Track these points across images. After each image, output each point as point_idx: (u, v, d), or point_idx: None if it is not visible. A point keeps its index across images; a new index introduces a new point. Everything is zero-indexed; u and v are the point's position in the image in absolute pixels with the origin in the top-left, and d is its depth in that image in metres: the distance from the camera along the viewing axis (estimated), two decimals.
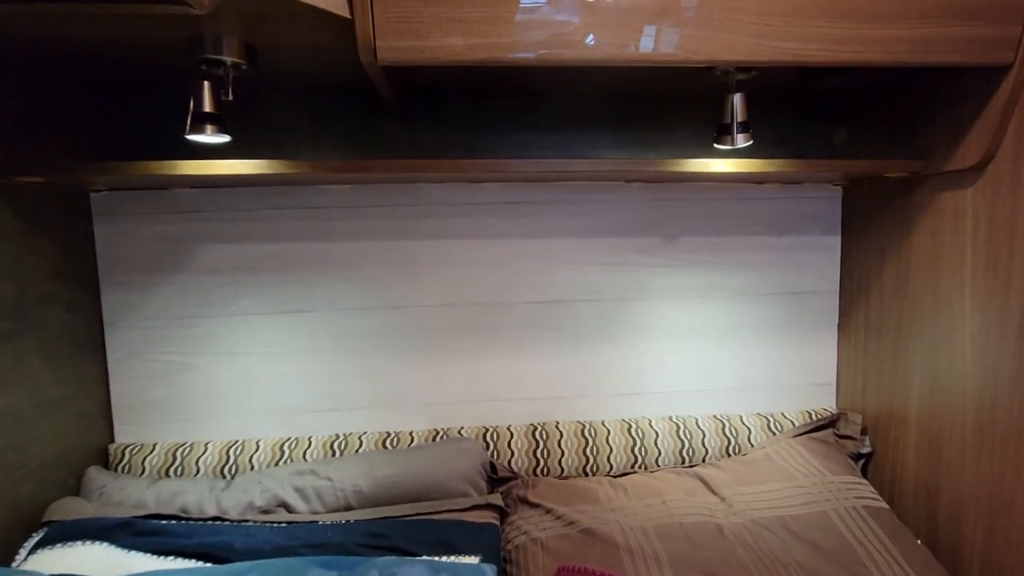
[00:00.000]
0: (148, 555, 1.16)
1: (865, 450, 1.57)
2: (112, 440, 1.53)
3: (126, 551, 1.16)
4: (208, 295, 1.51)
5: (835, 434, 1.60)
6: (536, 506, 1.37)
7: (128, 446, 1.51)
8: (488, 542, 1.26)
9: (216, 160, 1.16)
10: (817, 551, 1.21)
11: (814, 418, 1.65)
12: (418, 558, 1.17)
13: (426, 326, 1.58)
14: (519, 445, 1.55)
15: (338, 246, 1.53)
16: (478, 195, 1.55)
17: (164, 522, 1.25)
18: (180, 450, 1.50)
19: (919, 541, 1.28)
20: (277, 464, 1.49)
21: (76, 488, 1.39)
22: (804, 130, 1.61)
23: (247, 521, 1.28)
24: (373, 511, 1.35)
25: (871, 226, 1.52)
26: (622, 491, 1.42)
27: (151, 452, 1.50)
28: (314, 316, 1.55)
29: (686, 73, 1.06)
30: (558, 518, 1.32)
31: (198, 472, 1.48)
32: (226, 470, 1.48)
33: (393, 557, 1.16)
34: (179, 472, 1.47)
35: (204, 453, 1.50)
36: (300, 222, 1.52)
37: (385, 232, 1.54)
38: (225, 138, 1.11)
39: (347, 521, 1.29)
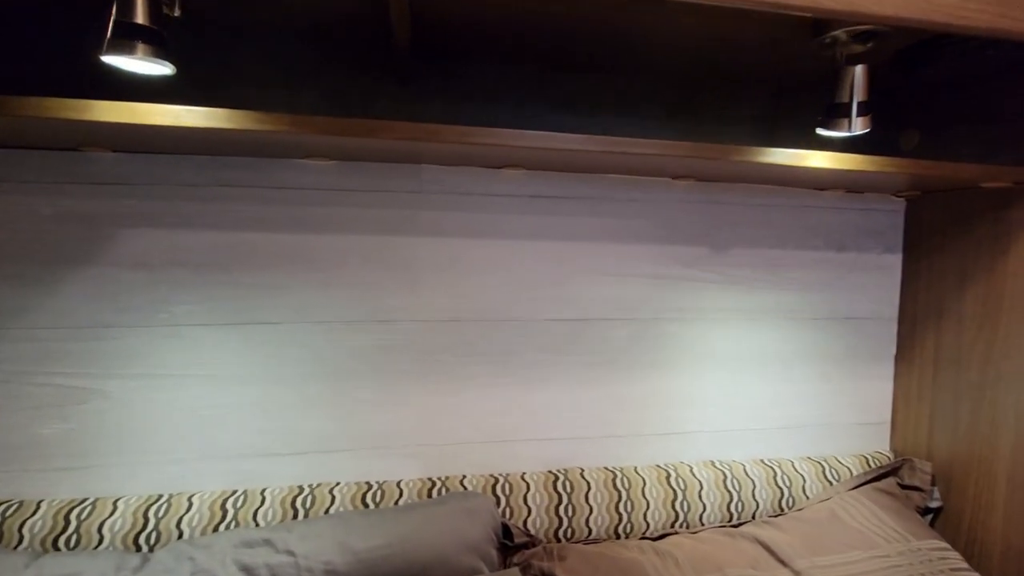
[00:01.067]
0: None
1: (934, 504, 1.35)
2: None
3: None
4: (129, 298, 1.12)
5: (898, 484, 1.37)
6: None
7: (0, 504, 1.08)
8: None
9: (151, 104, 0.80)
10: None
11: (871, 463, 1.43)
12: None
13: (424, 346, 1.24)
14: (537, 500, 1.23)
15: (314, 240, 1.18)
16: (497, 184, 1.24)
17: None
18: (76, 511, 1.08)
19: None
20: (216, 529, 1.10)
21: None
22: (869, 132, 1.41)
23: None
24: None
25: (947, 245, 1.32)
26: (672, 562, 1.13)
27: (33, 514, 1.07)
28: (277, 330, 1.18)
29: (768, 45, 0.82)
30: None
31: (101, 542, 1.06)
32: (142, 539, 1.08)
33: None
34: (73, 543, 1.05)
35: (112, 514, 1.09)
36: (264, 205, 1.16)
37: (377, 224, 1.20)
38: (164, 67, 0.76)
39: None
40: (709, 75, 1.26)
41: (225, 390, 1.17)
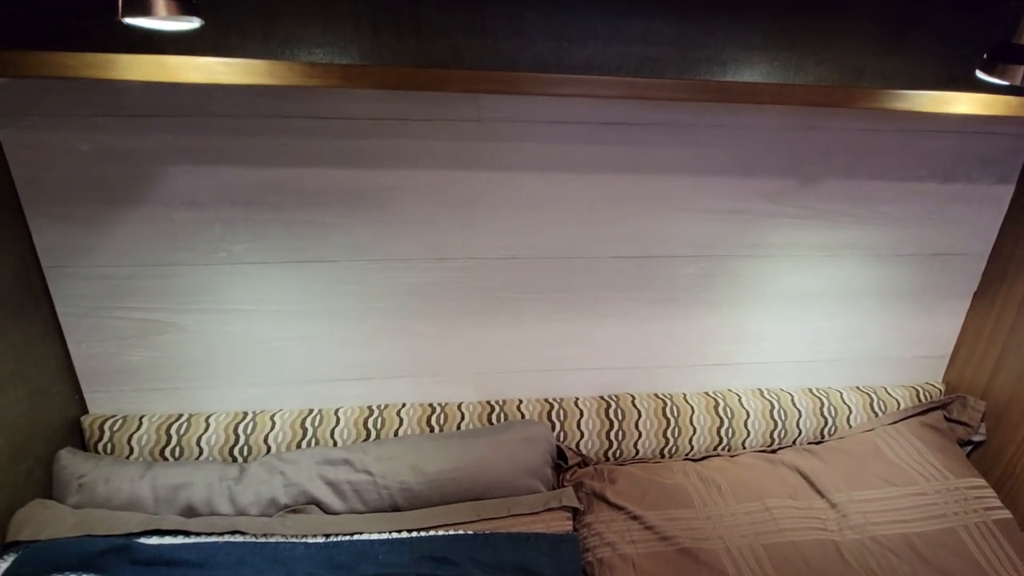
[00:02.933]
0: None
1: (978, 438, 1.38)
2: (85, 411, 1.22)
3: None
4: (185, 236, 1.10)
5: (946, 417, 1.39)
6: (619, 508, 1.16)
7: (107, 419, 1.20)
8: (569, 558, 1.06)
9: (176, 56, 0.69)
10: None
11: (922, 397, 1.44)
12: None
13: (483, 284, 1.22)
14: (590, 425, 1.30)
15: (365, 175, 1.10)
16: (563, 110, 1.09)
17: (170, 542, 0.99)
18: (176, 425, 1.20)
19: None
20: (299, 445, 1.22)
21: (46, 480, 1.11)
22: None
23: (273, 535, 1.03)
24: (427, 513, 1.12)
25: None
26: (715, 489, 1.21)
27: (138, 428, 1.19)
28: (335, 268, 1.16)
29: None
30: (648, 528, 1.12)
31: (201, 454, 1.20)
32: (236, 452, 1.20)
33: None
34: (177, 454, 1.19)
35: (206, 431, 1.20)
36: (308, 138, 1.06)
37: (432, 158, 1.10)
38: (191, 22, 0.63)
39: (399, 535, 1.05)
40: None
41: (290, 323, 1.20)
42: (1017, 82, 0.72)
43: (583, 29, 1.03)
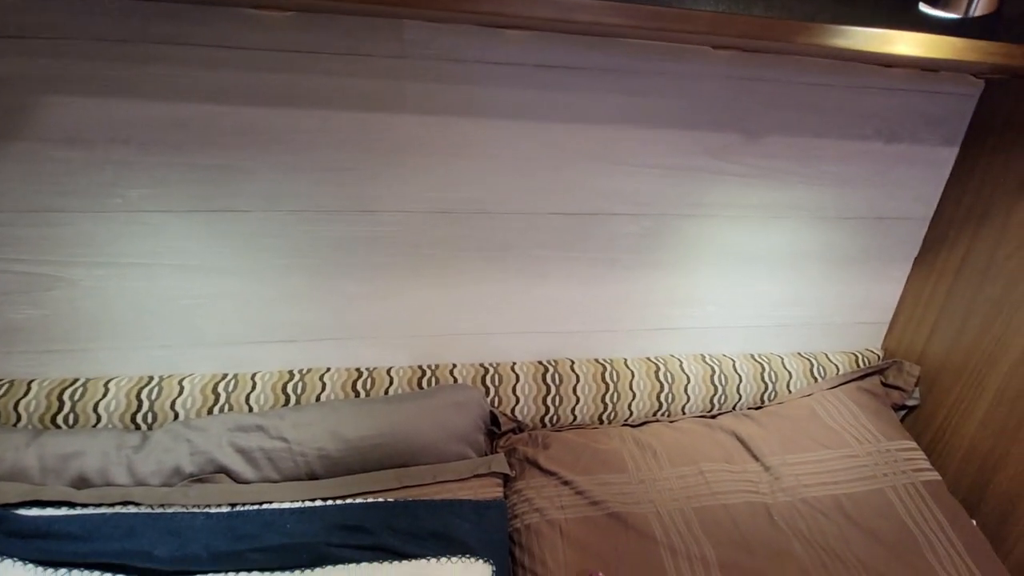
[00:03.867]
0: (27, 567, 0.83)
1: (911, 402, 1.39)
2: None
3: None
4: (71, 179, 0.98)
5: (882, 382, 1.40)
6: (550, 474, 1.12)
7: None
8: (494, 525, 1.01)
9: None
10: (877, 542, 1.05)
11: (860, 362, 1.44)
12: (410, 562, 0.91)
13: (413, 239, 1.14)
14: (526, 390, 1.25)
15: (279, 114, 1.00)
16: (496, 48, 1.01)
17: (51, 513, 0.90)
18: (69, 391, 1.10)
19: (974, 522, 1.14)
20: (211, 411, 1.13)
21: None
22: None
23: (171, 506, 0.95)
24: (345, 481, 1.06)
25: (1019, 142, 1.14)
26: (650, 454, 1.18)
27: (26, 393, 1.08)
28: (249, 219, 1.07)
29: None
30: (579, 493, 1.08)
31: (99, 421, 1.10)
32: (139, 419, 1.11)
33: (377, 565, 0.89)
34: (71, 421, 1.09)
35: (105, 396, 1.10)
36: (213, 71, 0.95)
37: (353, 98, 1.00)
38: None
39: (313, 503, 0.99)
40: None
41: (201, 280, 1.10)
42: (960, 13, 0.68)
43: None
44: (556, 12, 0.68)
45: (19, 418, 1.07)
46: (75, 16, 0.88)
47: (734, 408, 1.36)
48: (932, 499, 1.14)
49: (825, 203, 1.27)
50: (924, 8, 0.72)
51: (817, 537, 1.05)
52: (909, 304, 1.42)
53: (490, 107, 1.05)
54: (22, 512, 0.89)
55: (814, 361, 1.41)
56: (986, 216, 1.21)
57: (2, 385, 1.08)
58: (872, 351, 1.48)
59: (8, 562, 0.83)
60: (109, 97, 0.94)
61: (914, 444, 1.26)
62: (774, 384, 1.37)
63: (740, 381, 1.35)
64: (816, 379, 1.39)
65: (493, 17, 0.74)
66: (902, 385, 1.37)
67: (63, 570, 0.83)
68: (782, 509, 1.09)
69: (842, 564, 1.01)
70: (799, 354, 1.43)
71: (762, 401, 1.38)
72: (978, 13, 0.67)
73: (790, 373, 1.38)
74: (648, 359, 1.34)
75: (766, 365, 1.38)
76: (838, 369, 1.41)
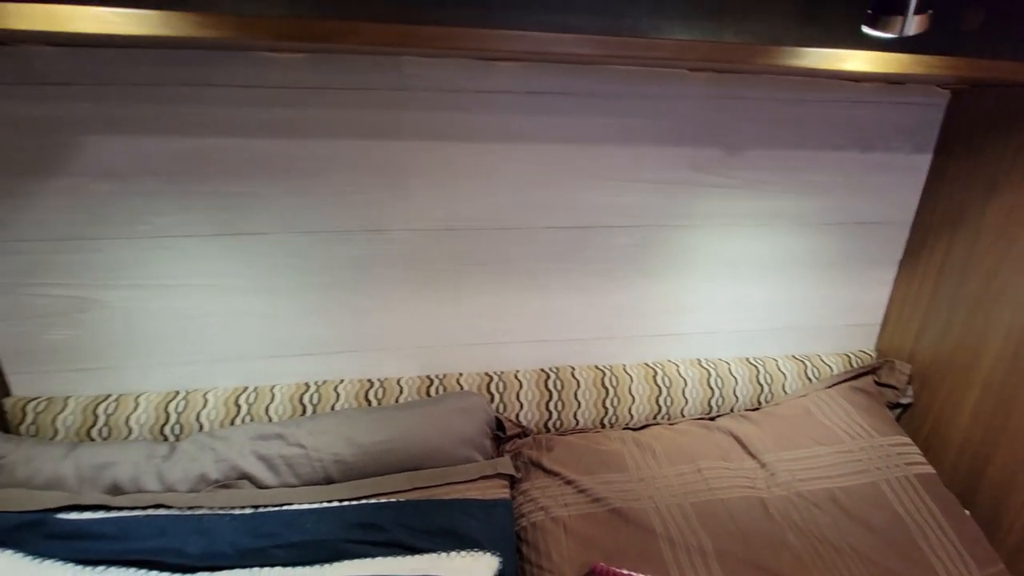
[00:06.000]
0: (68, 565, 0.89)
1: (905, 400, 1.43)
2: (7, 393, 1.18)
3: (38, 561, 0.89)
4: (105, 209, 1.08)
5: (875, 382, 1.44)
6: (554, 474, 1.17)
7: (31, 401, 1.17)
8: (501, 522, 1.07)
9: (74, 7, 0.68)
10: (870, 532, 1.09)
11: (854, 362, 1.48)
12: (422, 556, 0.96)
13: (419, 256, 1.22)
14: (529, 396, 1.31)
15: (292, 145, 1.09)
16: (488, 79, 1.10)
17: (89, 517, 0.97)
18: (103, 406, 1.18)
19: (967, 512, 1.18)
20: (233, 422, 1.20)
21: None
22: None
23: (199, 508, 1.02)
24: (360, 484, 1.12)
25: (985, 147, 1.21)
26: (650, 454, 1.24)
27: (63, 409, 1.16)
28: (266, 241, 1.16)
29: None
30: (581, 491, 1.13)
31: (130, 433, 1.17)
32: (167, 431, 1.18)
33: (392, 559, 0.95)
34: (105, 434, 1.16)
35: (135, 409, 1.18)
36: (231, 107, 1.05)
37: (359, 127, 1.10)
38: None
39: (329, 504, 1.05)
40: None
41: (222, 299, 1.19)
42: (896, 33, 0.76)
43: None
44: (534, 46, 0.77)
45: (56, 432, 1.15)
46: (112, 65, 0.99)
47: (732, 410, 1.41)
48: (925, 490, 1.17)
49: (807, 211, 1.34)
50: (866, 30, 0.80)
51: (811, 528, 1.09)
52: (897, 305, 1.47)
53: (485, 131, 1.14)
54: (61, 516, 0.96)
55: (808, 363, 1.46)
56: (961, 218, 1.27)
57: (42, 402, 1.17)
58: (865, 352, 1.52)
59: (49, 562, 0.90)
60: (140, 134, 1.04)
61: (908, 439, 1.29)
62: (769, 386, 1.42)
63: (736, 384, 1.40)
64: (810, 380, 1.44)
65: (480, 52, 0.82)
66: (895, 383, 1.42)
67: (101, 567, 0.89)
68: (777, 502, 1.14)
69: (836, 552, 1.05)
70: (793, 356, 1.48)
71: (759, 403, 1.42)
72: (911, 33, 0.75)
73: (785, 375, 1.43)
74: (646, 364, 1.40)
75: (761, 368, 1.43)
76: (832, 370, 1.46)
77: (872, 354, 1.52)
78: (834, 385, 1.42)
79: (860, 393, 1.39)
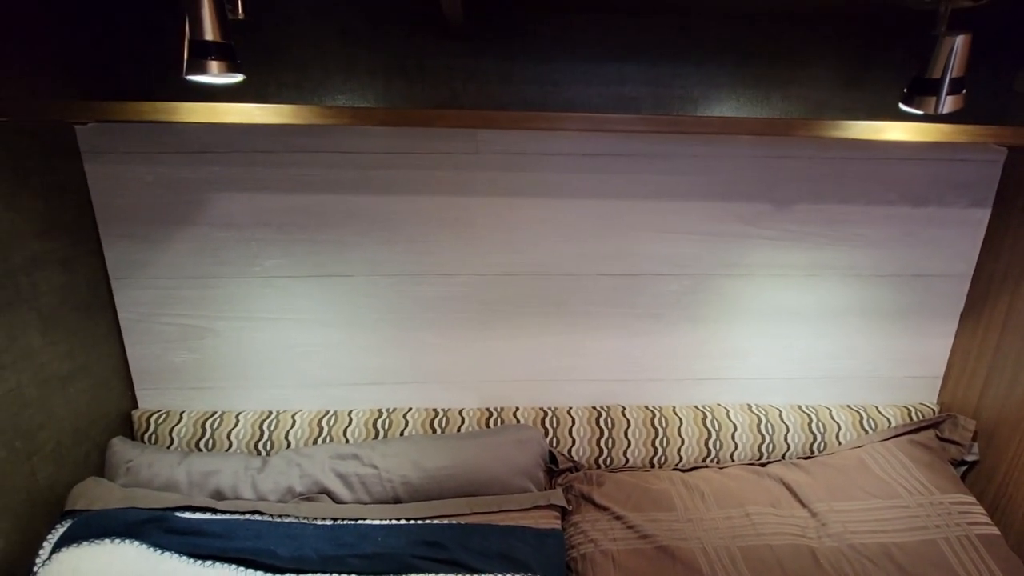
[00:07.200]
0: (183, 558, 1.05)
1: (971, 458, 1.39)
2: (135, 406, 1.39)
3: (159, 552, 1.05)
4: (225, 253, 1.28)
5: (938, 436, 1.41)
6: (604, 509, 1.24)
7: (153, 414, 1.37)
8: (552, 551, 1.14)
9: (223, 104, 0.87)
10: None
11: (914, 416, 1.46)
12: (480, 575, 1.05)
13: (483, 298, 1.35)
14: (581, 432, 1.39)
15: (379, 200, 1.26)
16: (551, 144, 1.24)
17: (200, 517, 1.13)
18: (210, 421, 1.36)
19: None
20: (315, 441, 1.36)
21: (100, 463, 1.27)
22: (976, 70, 1.23)
23: (287, 517, 1.16)
24: (424, 505, 1.23)
25: None
26: (698, 496, 1.27)
27: (179, 422, 1.36)
28: (352, 282, 1.32)
29: None
30: (630, 527, 1.19)
31: (230, 446, 1.35)
32: (260, 446, 1.35)
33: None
34: (210, 445, 1.34)
35: (236, 426, 1.36)
36: (331, 169, 1.24)
37: (436, 185, 1.26)
38: (236, 77, 0.81)
39: (398, 522, 1.16)
40: (784, 14, 1.13)
41: (312, 331, 1.36)
42: (931, 111, 0.82)
43: (565, 74, 1.19)
44: (592, 124, 0.90)
45: (172, 441, 1.34)
46: (238, 137, 1.20)
47: (783, 457, 1.42)
48: (988, 552, 1.14)
49: (858, 262, 1.37)
50: (903, 107, 0.86)
51: None
52: (960, 358, 1.44)
53: (546, 188, 1.27)
54: (178, 515, 1.13)
55: (864, 413, 1.46)
56: None
57: (162, 415, 1.37)
58: (927, 405, 1.50)
59: (168, 554, 1.06)
60: (257, 192, 1.25)
61: (972, 498, 1.26)
62: (823, 435, 1.42)
63: (787, 431, 1.42)
64: (866, 431, 1.43)
65: (542, 129, 0.96)
66: (958, 440, 1.38)
67: (209, 562, 1.04)
68: (828, 553, 1.14)
69: None
70: (848, 406, 1.48)
71: (811, 451, 1.43)
72: (945, 111, 0.81)
73: (839, 424, 1.43)
74: (696, 407, 1.45)
75: (813, 416, 1.44)
76: (889, 422, 1.45)
77: (934, 408, 1.49)
78: (892, 438, 1.41)
79: (920, 447, 1.37)
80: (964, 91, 0.82)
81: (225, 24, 0.76)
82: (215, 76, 0.77)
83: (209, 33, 0.75)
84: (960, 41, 0.78)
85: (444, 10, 0.87)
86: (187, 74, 0.76)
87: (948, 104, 0.81)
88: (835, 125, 0.91)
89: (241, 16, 0.82)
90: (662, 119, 0.91)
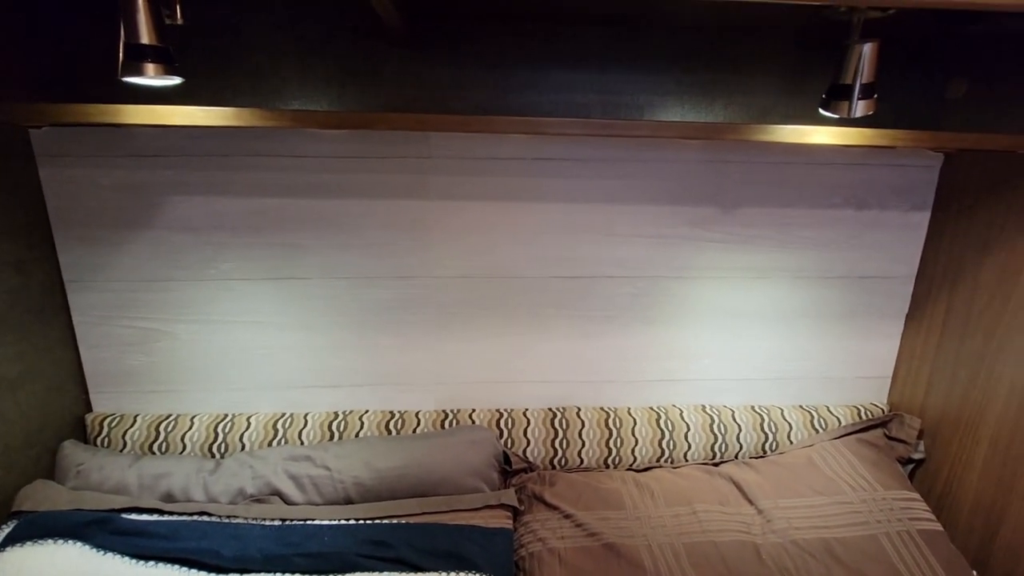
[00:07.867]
0: (125, 559, 1.05)
1: (917, 456, 1.42)
2: (90, 409, 1.39)
3: (102, 553, 1.05)
4: (182, 256, 1.30)
5: (886, 435, 1.44)
6: (554, 508, 1.25)
7: (107, 417, 1.37)
8: (501, 550, 1.15)
9: (167, 106, 0.89)
10: None
11: (863, 415, 1.49)
12: (425, 574, 1.06)
13: (439, 300, 1.37)
14: (536, 433, 1.41)
15: (335, 204, 1.29)
16: (502, 148, 1.27)
17: (145, 518, 1.13)
18: (164, 424, 1.36)
19: (974, 573, 1.16)
20: (270, 444, 1.36)
21: (51, 466, 1.27)
22: (908, 78, 1.28)
23: (236, 518, 1.16)
24: (375, 506, 1.23)
25: (978, 205, 1.25)
26: (648, 494, 1.29)
27: (132, 425, 1.36)
28: (309, 285, 1.34)
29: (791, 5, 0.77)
30: (578, 526, 1.20)
31: (184, 449, 1.35)
32: (215, 448, 1.35)
33: (397, 574, 1.05)
34: (163, 448, 1.34)
35: (190, 429, 1.36)
36: (287, 173, 1.26)
37: (390, 189, 1.28)
38: (172, 80, 0.83)
39: (346, 522, 1.17)
40: (729, 25, 1.18)
41: (269, 334, 1.37)
42: (845, 115, 0.86)
43: (516, 80, 1.22)
44: (531, 128, 0.93)
45: (125, 444, 1.34)
46: (194, 141, 1.22)
47: (736, 457, 1.45)
48: (928, 548, 1.17)
49: (804, 265, 1.40)
50: (822, 111, 0.91)
51: (802, 575, 1.11)
52: (906, 359, 1.48)
53: (498, 192, 1.30)
54: (124, 516, 1.13)
55: (815, 413, 1.49)
56: (960, 275, 1.31)
57: (115, 418, 1.37)
58: (877, 405, 1.53)
59: (111, 555, 1.05)
60: (213, 195, 1.27)
61: (915, 495, 1.29)
62: (774, 434, 1.45)
63: (740, 431, 1.44)
64: (817, 431, 1.46)
65: (488, 132, 0.99)
66: (904, 438, 1.42)
67: (152, 563, 1.04)
68: (771, 549, 1.16)
69: None
70: (800, 407, 1.51)
71: (764, 451, 1.45)
72: (858, 115, 0.85)
73: (790, 424, 1.46)
74: (650, 408, 1.47)
75: (766, 416, 1.47)
76: (840, 421, 1.48)
77: (884, 408, 1.52)
78: (841, 437, 1.44)
79: (868, 446, 1.40)
80: (875, 96, 0.86)
81: (161, 27, 0.79)
82: (151, 78, 0.79)
83: (144, 36, 0.77)
84: (868, 48, 0.83)
85: (382, 17, 0.90)
86: (122, 76, 0.78)
87: (860, 108, 0.85)
88: (763, 129, 0.95)
89: (180, 21, 0.84)
90: (601, 123, 0.94)
